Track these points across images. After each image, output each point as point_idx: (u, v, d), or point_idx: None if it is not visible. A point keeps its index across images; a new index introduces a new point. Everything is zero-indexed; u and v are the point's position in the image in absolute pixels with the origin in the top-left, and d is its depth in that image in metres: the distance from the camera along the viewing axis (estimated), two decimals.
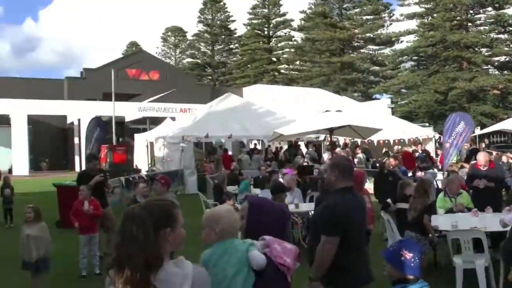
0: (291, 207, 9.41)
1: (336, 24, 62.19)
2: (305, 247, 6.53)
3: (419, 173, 15.45)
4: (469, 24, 52.24)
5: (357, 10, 63.84)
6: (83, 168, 15.27)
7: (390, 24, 61.95)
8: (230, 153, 24.28)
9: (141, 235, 2.28)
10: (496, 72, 52.50)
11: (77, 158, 34.31)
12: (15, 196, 14.21)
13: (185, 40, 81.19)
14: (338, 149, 20.92)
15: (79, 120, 33.89)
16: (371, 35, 62.46)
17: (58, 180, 16.11)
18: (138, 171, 22.69)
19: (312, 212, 8.64)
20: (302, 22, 66.73)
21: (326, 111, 20.52)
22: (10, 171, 30.60)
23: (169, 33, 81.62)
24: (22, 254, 7.07)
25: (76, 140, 35.25)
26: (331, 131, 14.92)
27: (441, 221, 7.96)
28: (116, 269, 2.30)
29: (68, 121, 37.53)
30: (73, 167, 34.95)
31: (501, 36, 51.64)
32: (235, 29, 77.43)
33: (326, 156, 21.06)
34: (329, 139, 17.33)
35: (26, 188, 20.37)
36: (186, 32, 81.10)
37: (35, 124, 36.11)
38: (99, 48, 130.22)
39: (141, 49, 61.16)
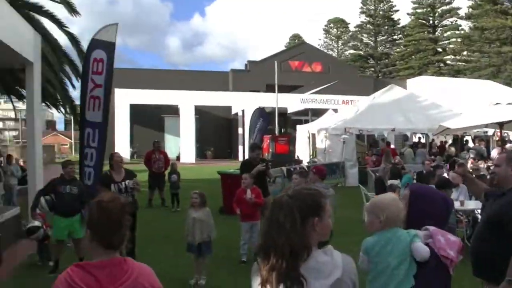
0: (456, 204, 8.89)
1: (507, 11, 58.12)
2: (468, 246, 6.10)
3: None
4: None
5: None
6: (246, 157, 15.62)
7: None
8: (392, 146, 23.63)
9: (288, 223, 2.27)
10: None
11: (240, 147, 35.48)
12: (182, 182, 14.91)
13: (348, 31, 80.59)
14: (508, 145, 19.44)
15: (243, 111, 34.98)
16: None
17: (222, 168, 16.67)
18: (300, 161, 22.81)
19: (479, 210, 8.04)
20: (470, 10, 63.20)
21: (496, 103, 19.24)
22: (178, 158, 32.43)
23: (331, 25, 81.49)
24: (187, 236, 7.34)
25: (240, 130, 36.46)
26: (501, 125, 13.96)
27: None
28: (262, 256, 2.30)
29: (233, 112, 38.88)
30: (237, 156, 36.17)
31: None
32: (399, 19, 75.46)
33: (495, 152, 19.70)
34: (498, 133, 16.17)
35: (192, 175, 21.39)
36: (349, 23, 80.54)
37: (202, 114, 37.90)
38: (263, 41, 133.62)
39: (304, 41, 61.55)
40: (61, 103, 17.18)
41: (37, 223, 8.31)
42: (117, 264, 2.40)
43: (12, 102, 18.44)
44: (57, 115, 71.73)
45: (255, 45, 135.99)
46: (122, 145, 31.65)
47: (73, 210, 8.11)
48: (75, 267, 2.36)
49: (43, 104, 16.16)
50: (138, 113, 35.66)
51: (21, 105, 27.52)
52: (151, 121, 37.86)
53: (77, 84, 17.61)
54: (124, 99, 33.68)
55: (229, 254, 8.83)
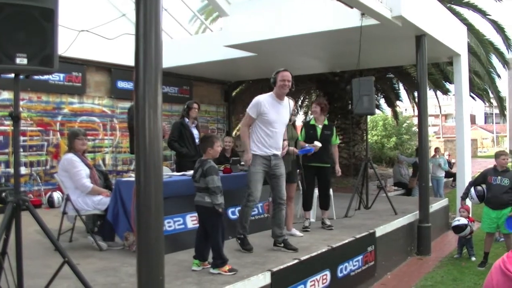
0: None
1: None
2: None
3: None
4: None
5: None
6: None
7: None
8: None
9: None
10: None
11: None
12: None
13: None
14: None
15: None
16: None
17: None
18: None
19: None
20: None
21: None
22: None
23: None
24: None
25: None
26: None
27: None
28: None
29: None
30: None
31: None
32: None
33: None
34: None
35: None
36: None
37: None
38: None
39: None
40: (486, 94, 16.71)
41: (463, 220, 8.35)
42: None
43: (437, 97, 18.79)
44: (477, 109, 70.74)
45: None
46: None
47: (502, 203, 7.84)
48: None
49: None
50: None
51: (442, 101, 27.45)
52: None
53: (503, 73, 16.93)
54: None
55: None
